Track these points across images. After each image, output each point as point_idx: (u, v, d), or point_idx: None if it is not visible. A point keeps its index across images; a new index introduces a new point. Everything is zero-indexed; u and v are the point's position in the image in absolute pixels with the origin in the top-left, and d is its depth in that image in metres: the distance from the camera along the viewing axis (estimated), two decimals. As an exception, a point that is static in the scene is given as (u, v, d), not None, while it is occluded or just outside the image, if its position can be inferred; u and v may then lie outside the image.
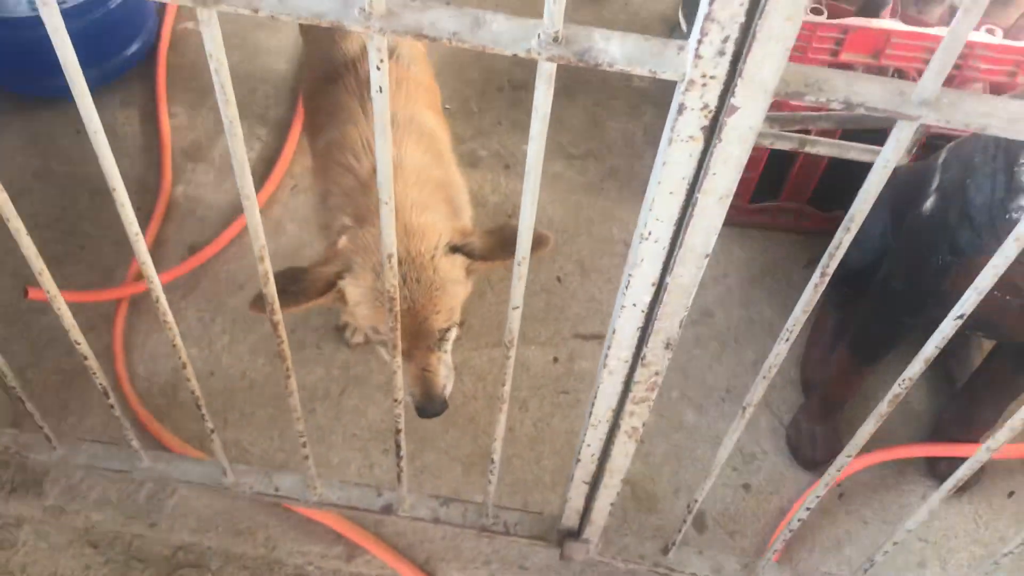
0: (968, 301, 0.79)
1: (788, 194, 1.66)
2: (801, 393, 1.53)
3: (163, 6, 1.87)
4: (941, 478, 1.47)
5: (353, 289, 1.10)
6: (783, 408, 1.52)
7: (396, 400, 1.03)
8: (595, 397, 0.96)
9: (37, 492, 1.38)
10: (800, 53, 1.39)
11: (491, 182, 1.75)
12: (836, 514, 1.43)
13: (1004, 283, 1.14)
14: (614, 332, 0.86)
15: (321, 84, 1.31)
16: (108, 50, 1.76)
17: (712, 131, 0.65)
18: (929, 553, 1.40)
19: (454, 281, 1.12)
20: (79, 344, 1.02)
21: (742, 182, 1.43)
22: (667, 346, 0.86)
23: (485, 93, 1.89)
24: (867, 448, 1.30)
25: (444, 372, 1.16)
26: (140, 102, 1.83)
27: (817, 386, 1.48)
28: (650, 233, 0.74)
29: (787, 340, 0.83)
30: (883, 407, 0.91)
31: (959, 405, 1.46)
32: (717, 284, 1.66)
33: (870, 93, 0.61)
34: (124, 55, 1.79)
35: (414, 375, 1.12)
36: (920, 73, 0.96)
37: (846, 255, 0.74)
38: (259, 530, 1.37)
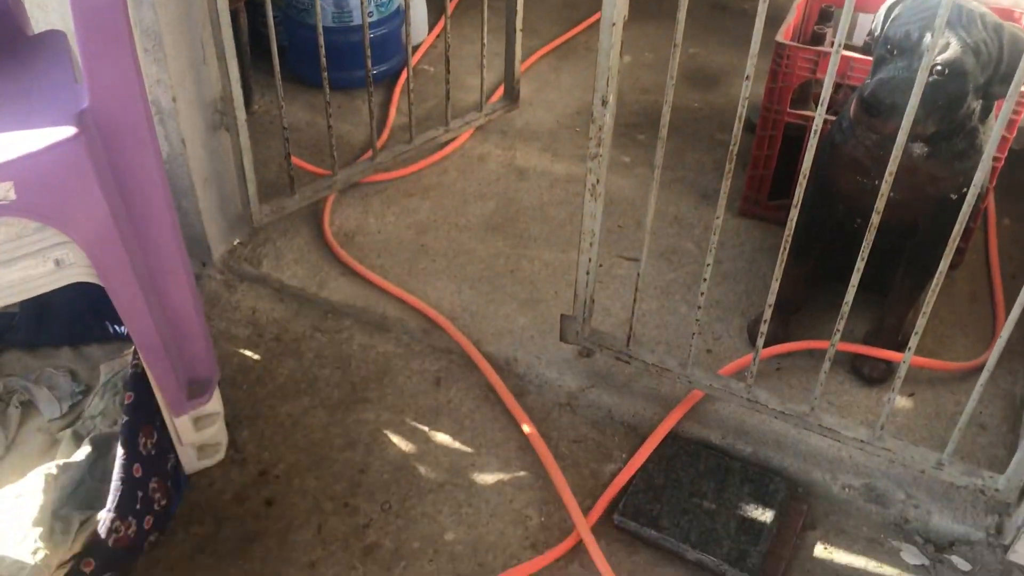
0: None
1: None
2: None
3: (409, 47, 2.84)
4: (857, 374, 1.98)
5: None
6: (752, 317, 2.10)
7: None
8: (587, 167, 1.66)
9: (257, 264, 2.21)
10: (788, 71, 2.10)
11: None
12: (770, 378, 1.96)
13: (853, 163, 1.76)
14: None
15: None
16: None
17: None
18: (834, 410, 1.89)
19: None
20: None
21: (760, 180, 2.14)
22: (603, 103, 1.57)
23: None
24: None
25: None
26: (379, 98, 2.80)
27: (777, 293, 2.05)
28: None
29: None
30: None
31: (877, 316, 1.98)
32: (734, 250, 2.28)
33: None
34: (375, 71, 2.79)
35: None
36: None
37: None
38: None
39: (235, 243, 2.25)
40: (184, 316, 1.63)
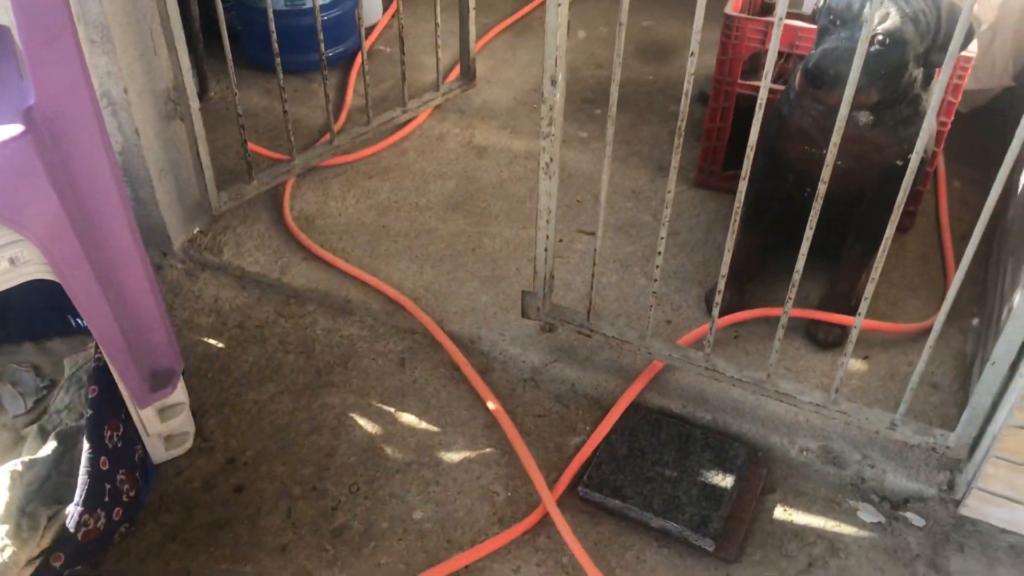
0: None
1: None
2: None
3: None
4: (812, 339, 2.02)
5: None
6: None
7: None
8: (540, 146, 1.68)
9: (218, 252, 2.21)
10: (738, 42, 2.12)
11: None
12: (728, 347, 2.00)
13: (801, 134, 1.80)
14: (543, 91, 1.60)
15: None
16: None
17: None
18: (791, 375, 1.93)
19: None
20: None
21: (713, 151, 2.16)
22: (553, 83, 1.58)
23: None
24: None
25: None
26: (335, 81, 2.79)
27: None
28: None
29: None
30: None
31: (830, 281, 2.02)
32: (691, 220, 2.31)
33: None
34: (330, 53, 2.77)
35: None
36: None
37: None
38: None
39: (195, 232, 2.25)
40: (144, 308, 1.63)
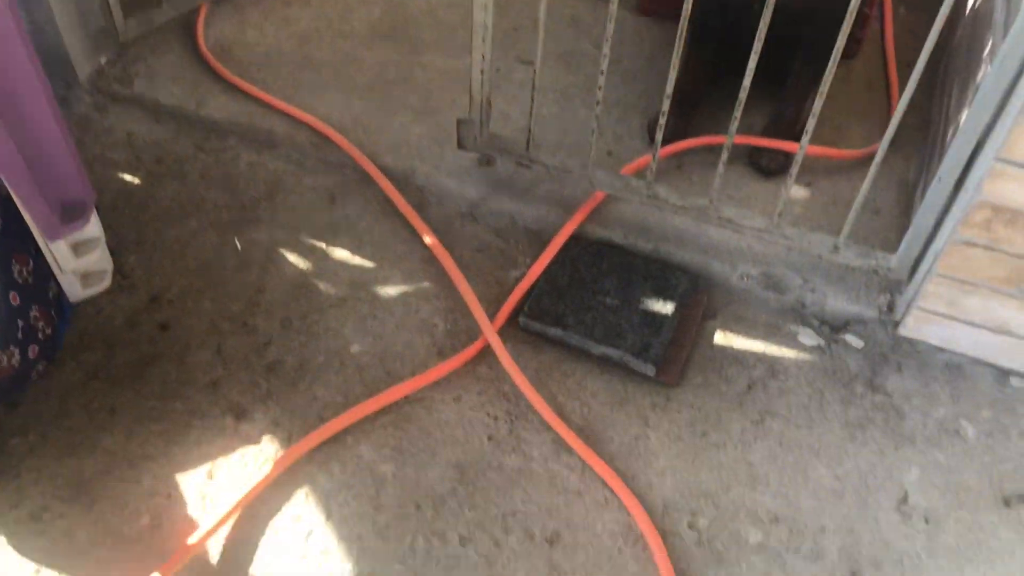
0: None
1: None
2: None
3: None
4: (755, 166, 1.98)
5: None
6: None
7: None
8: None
9: (128, 83, 2.06)
10: None
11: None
12: (671, 176, 1.94)
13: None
14: None
15: None
16: None
17: None
18: (734, 203, 1.89)
19: None
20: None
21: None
22: None
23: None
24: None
25: None
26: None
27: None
28: None
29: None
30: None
31: (774, 108, 1.96)
32: (634, 47, 2.21)
33: None
34: None
35: None
36: None
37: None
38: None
39: (102, 62, 2.08)
40: (46, 134, 1.50)
